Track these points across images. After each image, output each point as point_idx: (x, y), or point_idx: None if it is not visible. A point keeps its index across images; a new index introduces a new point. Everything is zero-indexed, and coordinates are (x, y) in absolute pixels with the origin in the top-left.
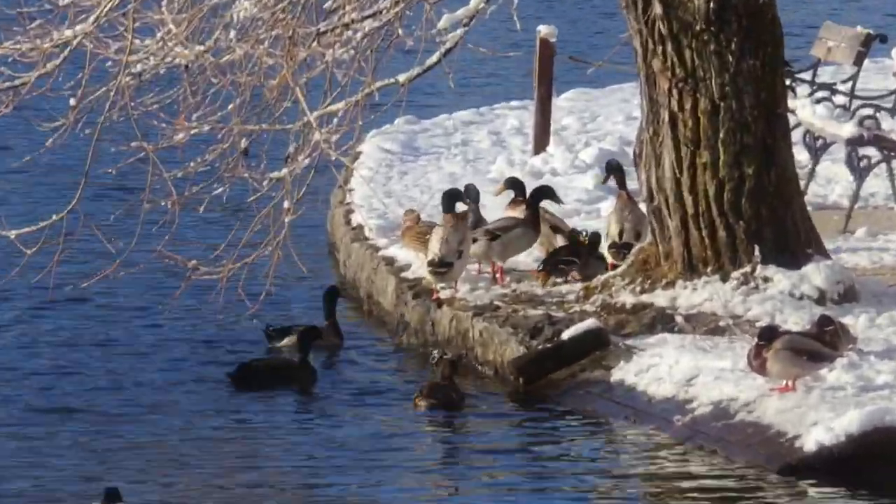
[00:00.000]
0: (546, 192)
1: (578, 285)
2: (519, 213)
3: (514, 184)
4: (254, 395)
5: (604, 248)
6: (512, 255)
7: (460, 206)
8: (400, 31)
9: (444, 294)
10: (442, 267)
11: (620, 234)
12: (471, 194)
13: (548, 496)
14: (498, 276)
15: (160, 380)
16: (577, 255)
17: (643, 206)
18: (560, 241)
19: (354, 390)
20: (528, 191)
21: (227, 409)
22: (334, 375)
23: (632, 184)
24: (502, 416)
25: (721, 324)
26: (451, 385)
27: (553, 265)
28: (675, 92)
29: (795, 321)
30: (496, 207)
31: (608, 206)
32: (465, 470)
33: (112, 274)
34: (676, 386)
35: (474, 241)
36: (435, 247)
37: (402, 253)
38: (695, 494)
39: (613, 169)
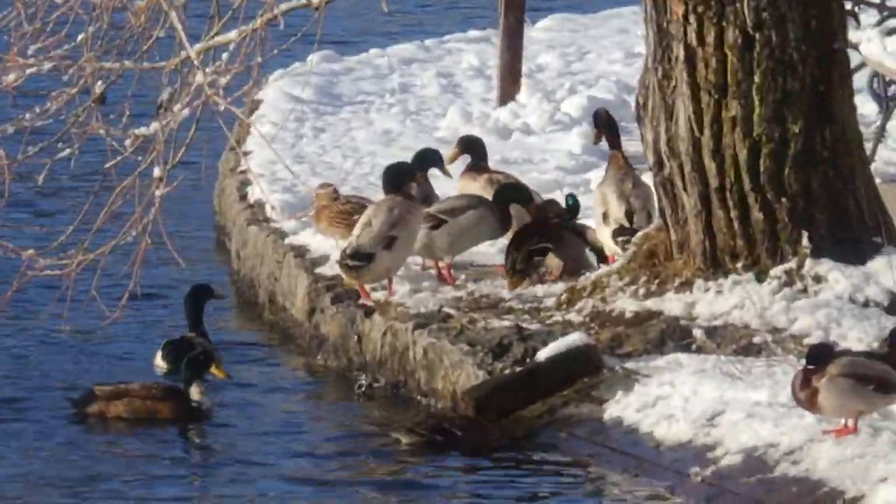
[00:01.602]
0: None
1: (559, 285)
2: (479, 186)
3: (471, 145)
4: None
5: (605, 236)
6: (462, 248)
7: (413, 189)
8: None
9: (374, 298)
10: (355, 259)
11: (629, 215)
12: (430, 160)
13: None
14: (445, 273)
15: None
16: (550, 235)
17: (647, 177)
18: (516, 223)
19: (241, 438)
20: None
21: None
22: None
23: (633, 145)
24: (452, 470)
25: (756, 340)
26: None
27: (525, 261)
28: (692, 18)
29: (858, 337)
30: (449, 181)
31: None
32: None
33: None
34: (694, 426)
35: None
36: (355, 231)
37: (317, 240)
38: None
39: (603, 122)
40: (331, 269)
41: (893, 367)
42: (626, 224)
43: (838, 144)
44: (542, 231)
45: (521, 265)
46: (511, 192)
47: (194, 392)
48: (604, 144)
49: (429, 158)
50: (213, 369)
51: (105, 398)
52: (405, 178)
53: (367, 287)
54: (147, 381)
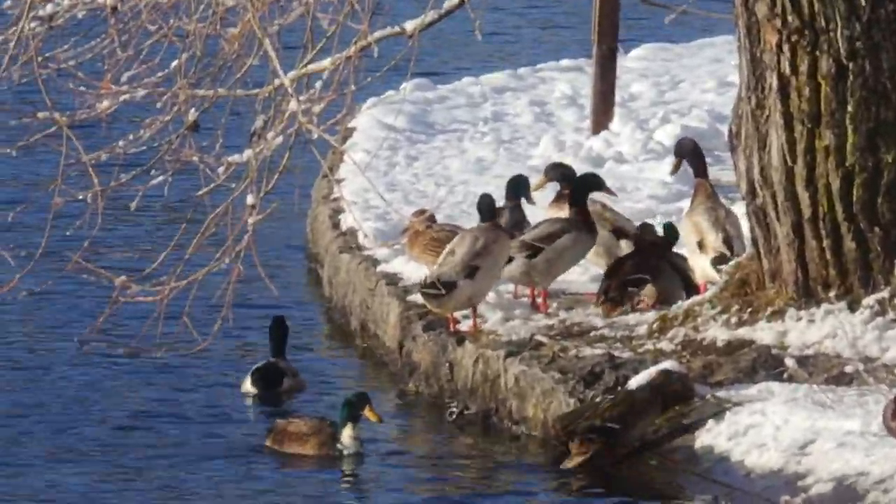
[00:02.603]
0: (591, 182)
1: (651, 314)
2: (565, 213)
3: (561, 173)
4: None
5: (700, 265)
6: (559, 272)
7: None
8: None
9: (467, 325)
10: (435, 288)
11: (728, 242)
12: (520, 188)
13: None
14: (540, 301)
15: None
16: (649, 265)
17: (738, 208)
18: (626, 250)
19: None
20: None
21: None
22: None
23: (726, 174)
24: (544, 496)
25: (848, 369)
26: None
27: (619, 290)
28: (786, 48)
29: None
30: (536, 208)
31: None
32: None
33: (9, 293)
34: (786, 455)
35: (510, 259)
36: (439, 260)
37: (409, 268)
38: None
39: (686, 152)
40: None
41: None
42: (727, 252)
43: None
44: (640, 261)
45: (615, 293)
46: (586, 184)
47: (346, 434)
48: (689, 174)
49: (520, 185)
50: (367, 412)
51: (275, 433)
52: (495, 211)
53: (458, 315)
54: (302, 418)
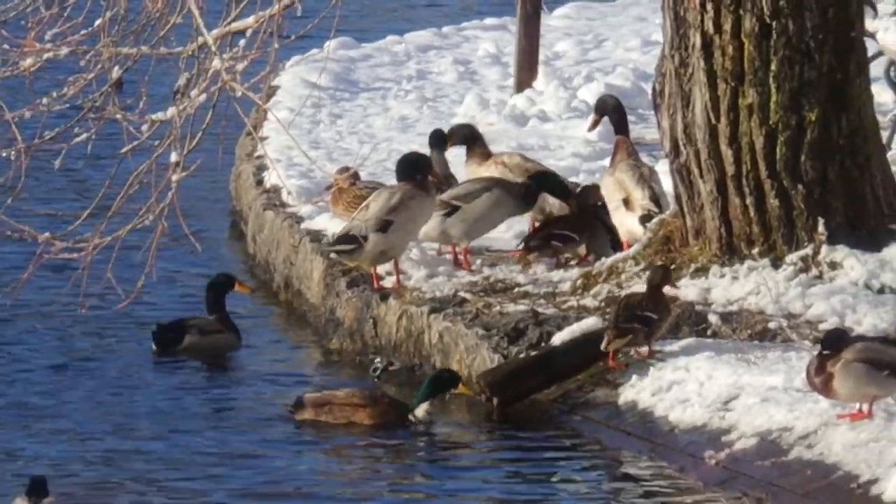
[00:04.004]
0: (550, 184)
1: (575, 271)
2: (487, 168)
3: (464, 135)
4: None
5: (625, 222)
6: (478, 232)
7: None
8: None
9: (391, 282)
10: (342, 243)
11: (655, 199)
12: (437, 141)
13: None
14: (462, 258)
15: None
16: (581, 225)
17: (662, 166)
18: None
19: (255, 420)
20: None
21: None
22: (228, 392)
23: (650, 132)
24: (468, 452)
25: (771, 325)
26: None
27: (543, 241)
28: (709, 7)
29: (873, 323)
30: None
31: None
32: None
33: None
34: (709, 411)
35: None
36: (353, 216)
37: (333, 225)
38: None
39: (608, 109)
40: None
41: None
42: (655, 209)
43: (855, 133)
44: (573, 221)
45: (536, 242)
46: (548, 183)
47: (421, 408)
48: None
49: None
50: (461, 388)
51: (313, 406)
52: (418, 170)
53: (381, 272)
54: (350, 389)
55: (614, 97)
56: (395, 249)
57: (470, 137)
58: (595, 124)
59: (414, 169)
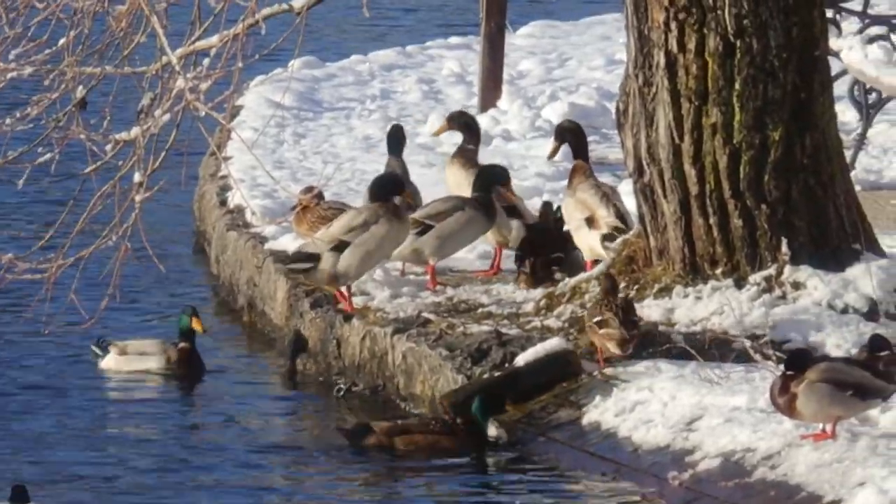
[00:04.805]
0: (498, 175)
1: (538, 291)
2: (468, 177)
3: (464, 122)
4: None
5: (588, 241)
6: (450, 251)
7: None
8: None
9: (356, 303)
10: (296, 261)
11: (621, 217)
12: (395, 142)
13: None
14: (429, 275)
15: None
16: (561, 243)
17: (625, 185)
18: (516, 231)
19: (223, 442)
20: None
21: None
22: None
23: (613, 152)
24: (431, 472)
25: (735, 346)
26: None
27: (545, 268)
28: (673, 25)
29: (837, 343)
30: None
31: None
32: None
33: None
34: (673, 431)
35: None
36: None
37: (296, 245)
38: None
39: (567, 136)
40: None
41: (871, 373)
42: (621, 226)
43: (819, 152)
44: (553, 239)
45: (541, 272)
46: (490, 176)
47: (492, 429)
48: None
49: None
50: (512, 407)
51: (384, 434)
52: (390, 191)
53: (346, 292)
54: (422, 418)
55: (573, 122)
56: (351, 272)
57: (468, 128)
58: (555, 151)
59: (386, 190)
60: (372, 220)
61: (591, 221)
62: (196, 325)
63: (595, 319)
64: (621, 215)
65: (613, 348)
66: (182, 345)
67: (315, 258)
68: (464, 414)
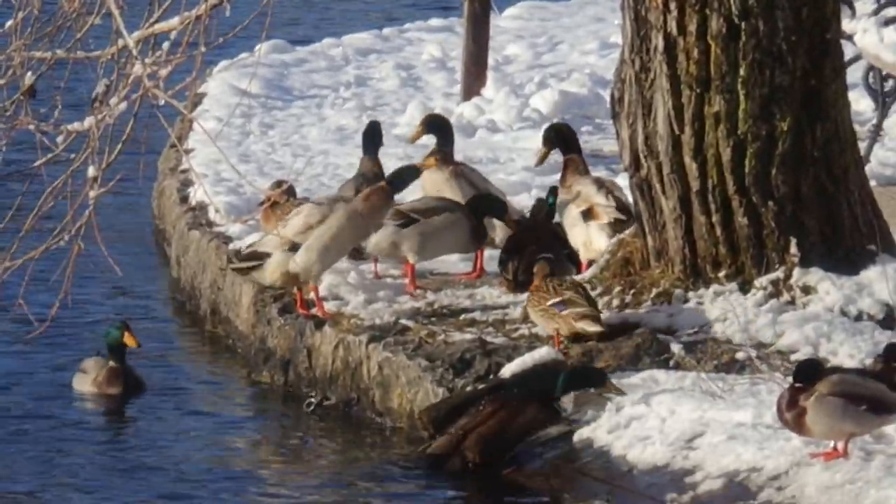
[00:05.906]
0: (492, 207)
1: (525, 295)
2: (444, 178)
3: (437, 125)
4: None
5: (586, 236)
6: (432, 252)
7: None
8: None
9: (327, 309)
10: (245, 260)
11: (625, 210)
12: (371, 141)
13: None
14: (408, 276)
15: None
16: (549, 244)
17: (621, 180)
18: (500, 232)
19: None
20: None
21: None
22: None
23: (608, 144)
24: (409, 495)
25: (739, 356)
26: None
27: (528, 272)
28: (673, 6)
29: (850, 353)
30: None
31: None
32: None
33: None
34: (672, 449)
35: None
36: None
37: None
38: None
39: (555, 136)
40: None
41: (887, 385)
42: (623, 217)
43: (830, 144)
44: (539, 239)
45: (524, 277)
46: (486, 204)
47: (566, 400)
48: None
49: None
50: (611, 387)
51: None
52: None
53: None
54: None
55: (560, 124)
56: (314, 269)
57: (442, 130)
58: (543, 158)
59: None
60: (334, 216)
61: (589, 214)
62: (128, 340)
63: (551, 302)
64: (623, 206)
65: (590, 327)
66: (111, 364)
67: (258, 258)
68: (445, 429)
